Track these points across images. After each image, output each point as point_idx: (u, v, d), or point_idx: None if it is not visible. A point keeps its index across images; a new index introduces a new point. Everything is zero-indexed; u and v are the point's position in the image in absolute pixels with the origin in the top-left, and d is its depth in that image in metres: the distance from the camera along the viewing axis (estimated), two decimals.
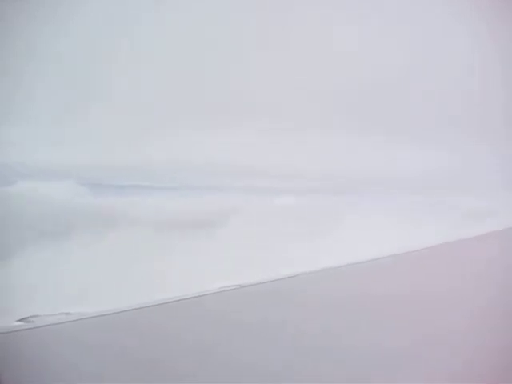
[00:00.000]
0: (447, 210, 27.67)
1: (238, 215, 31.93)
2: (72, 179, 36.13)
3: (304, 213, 33.81)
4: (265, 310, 3.75)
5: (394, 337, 3.02)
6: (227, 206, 34.49)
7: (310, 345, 2.93)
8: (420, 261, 5.68)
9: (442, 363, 2.54)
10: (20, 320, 3.34)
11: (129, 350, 2.89)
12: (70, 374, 2.51)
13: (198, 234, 28.25)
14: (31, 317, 3.41)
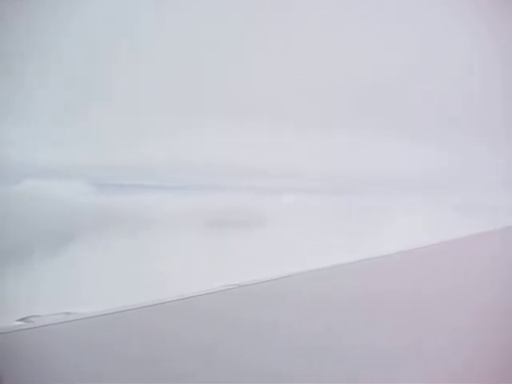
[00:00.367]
0: (447, 209, 27.65)
1: (244, 214, 31.95)
2: (76, 178, 36.18)
3: (309, 212, 33.82)
4: (264, 310, 3.75)
5: (394, 336, 3.02)
6: (233, 205, 34.51)
7: (310, 344, 2.92)
8: (420, 260, 5.68)
9: (444, 362, 2.54)
10: (20, 320, 3.33)
11: (128, 350, 2.88)
12: (70, 374, 2.50)
13: (204, 232, 28.27)
14: (31, 317, 3.40)
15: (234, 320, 3.47)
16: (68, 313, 3.54)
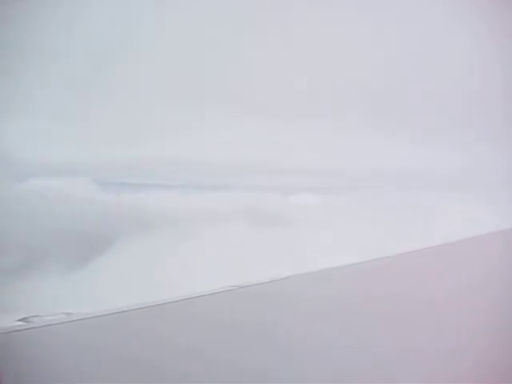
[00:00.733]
0: (449, 208, 27.63)
1: (251, 213, 31.95)
2: (80, 177, 36.20)
3: (320, 210, 33.80)
4: (263, 311, 3.74)
5: (396, 338, 3.01)
6: (241, 204, 34.51)
7: (310, 346, 2.92)
8: (420, 261, 5.68)
9: (446, 364, 2.53)
10: (20, 320, 3.34)
11: (129, 351, 2.88)
12: (70, 374, 2.51)
13: (211, 231, 28.28)
14: (31, 317, 3.41)
15: (233, 322, 3.46)
16: (68, 313, 3.54)
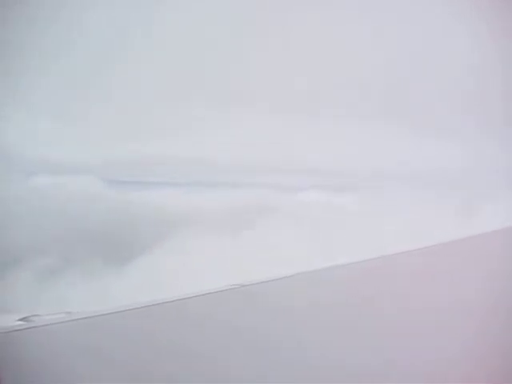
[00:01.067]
0: (449, 207, 27.68)
1: (258, 211, 31.98)
2: (87, 175, 36.24)
3: (321, 209, 33.86)
4: (264, 311, 3.74)
5: (395, 337, 3.01)
6: (249, 202, 34.53)
7: (308, 346, 2.91)
8: (420, 260, 5.68)
9: (444, 363, 2.53)
10: (20, 319, 3.33)
11: (129, 350, 2.88)
12: (70, 374, 2.50)
13: (221, 230, 28.33)
14: (32, 316, 3.40)
15: (233, 321, 3.46)
16: (69, 312, 3.54)
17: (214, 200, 36.07)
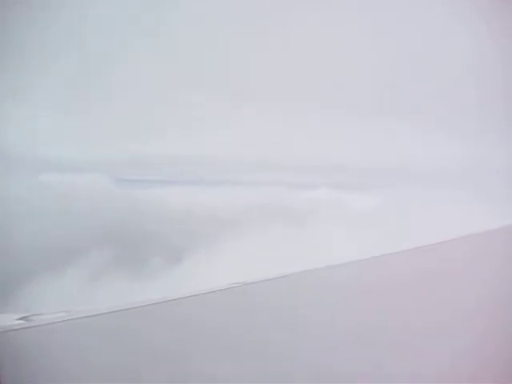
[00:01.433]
0: (450, 206, 27.60)
1: (265, 210, 31.92)
2: (96, 173, 36.16)
3: (329, 206, 33.78)
4: (265, 310, 3.74)
5: (395, 335, 3.01)
6: (254, 199, 34.46)
7: (309, 346, 2.92)
8: (421, 258, 5.68)
9: (443, 362, 2.53)
10: (20, 318, 3.34)
11: (130, 349, 2.88)
12: (70, 373, 2.51)
13: (226, 227, 28.29)
14: (32, 315, 3.41)
15: (234, 320, 3.46)
16: (68, 311, 3.54)
17: (224, 197, 36.05)
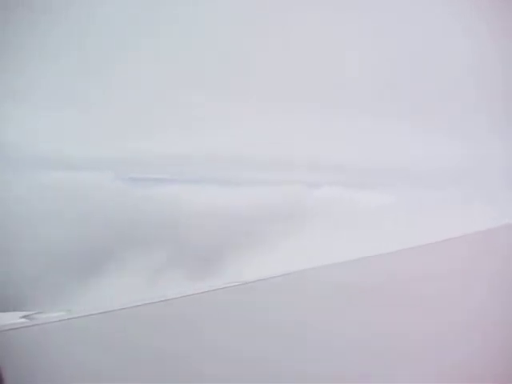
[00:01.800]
0: (450, 206, 27.54)
1: (274, 207, 31.84)
2: (103, 172, 36.05)
3: (338, 205, 33.71)
4: (266, 308, 3.74)
5: (395, 335, 3.00)
6: (264, 199, 34.34)
7: (310, 347, 2.92)
8: (421, 257, 5.68)
9: (443, 361, 2.53)
10: (23, 317, 3.37)
11: (131, 348, 2.89)
12: (70, 371, 2.52)
13: (241, 226, 28.25)
14: (34, 314, 3.44)
15: (235, 318, 3.47)
16: (69, 310, 3.56)
17: (238, 197, 36.00)
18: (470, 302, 3.65)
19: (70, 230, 27.80)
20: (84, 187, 33.24)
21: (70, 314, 3.49)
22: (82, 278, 22.47)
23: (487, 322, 3.14)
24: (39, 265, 22.50)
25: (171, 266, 24.63)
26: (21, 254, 22.65)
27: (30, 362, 2.64)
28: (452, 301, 3.72)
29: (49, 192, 31.56)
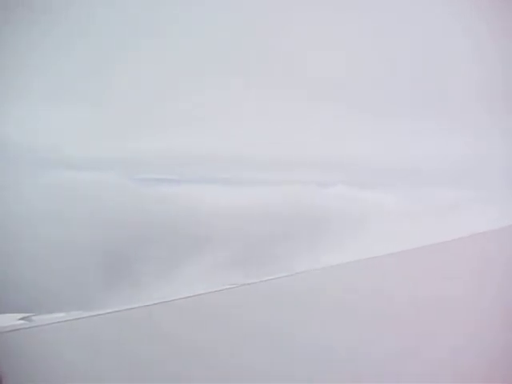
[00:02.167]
0: (450, 206, 27.56)
1: (287, 206, 31.91)
2: (109, 171, 36.05)
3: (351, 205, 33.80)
4: (266, 309, 3.73)
5: (395, 337, 2.99)
6: (278, 198, 34.45)
7: (309, 346, 2.91)
8: (420, 259, 5.67)
9: (443, 364, 2.52)
10: (21, 319, 3.36)
11: (131, 349, 2.89)
12: (70, 372, 2.52)
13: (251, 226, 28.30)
14: (32, 315, 3.43)
15: (236, 320, 3.46)
16: (67, 312, 3.56)
17: (249, 196, 36.08)
18: (470, 303, 3.64)
19: (70, 230, 27.79)
20: (84, 187, 33.24)
21: (69, 316, 3.48)
22: (83, 278, 22.48)
23: (498, 322, 3.13)
24: (39, 265, 22.48)
25: (186, 266, 24.70)
26: (21, 254, 22.63)
27: (29, 363, 2.63)
28: (464, 300, 3.70)
29: (49, 192, 31.55)
